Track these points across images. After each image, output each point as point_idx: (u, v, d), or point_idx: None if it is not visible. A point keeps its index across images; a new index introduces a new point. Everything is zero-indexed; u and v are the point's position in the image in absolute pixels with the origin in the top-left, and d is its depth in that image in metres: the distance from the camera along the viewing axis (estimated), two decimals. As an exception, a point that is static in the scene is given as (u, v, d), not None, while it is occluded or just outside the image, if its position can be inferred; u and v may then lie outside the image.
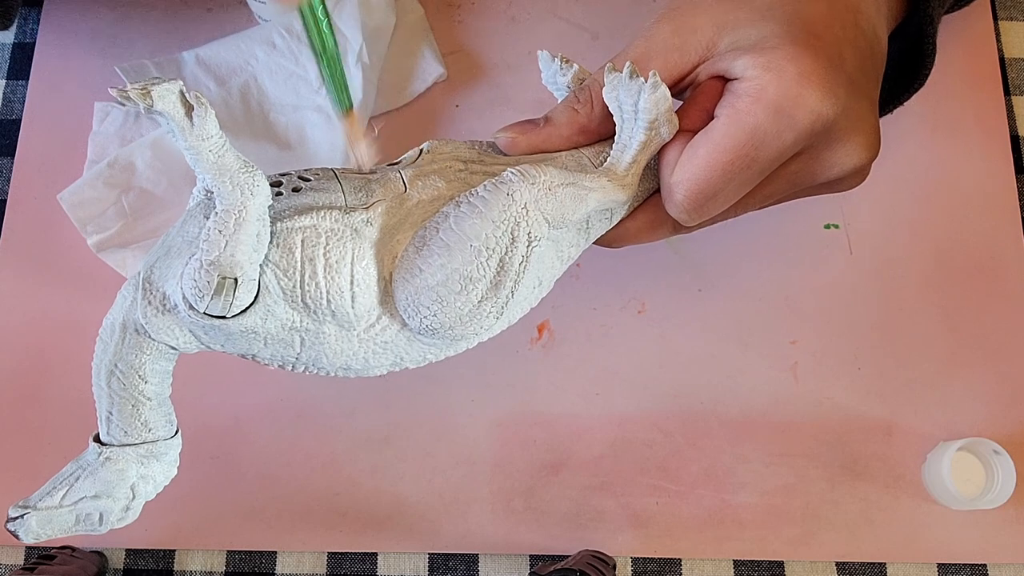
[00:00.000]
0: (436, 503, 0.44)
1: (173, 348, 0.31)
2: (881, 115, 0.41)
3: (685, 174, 0.31)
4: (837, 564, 0.44)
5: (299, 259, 0.29)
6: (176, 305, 0.29)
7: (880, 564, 0.44)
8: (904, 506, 0.44)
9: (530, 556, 0.44)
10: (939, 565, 0.44)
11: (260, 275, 0.29)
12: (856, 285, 0.47)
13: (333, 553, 0.44)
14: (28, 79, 0.51)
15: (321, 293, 0.29)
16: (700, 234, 0.47)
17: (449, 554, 0.44)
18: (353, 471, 0.45)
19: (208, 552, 0.44)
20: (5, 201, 0.49)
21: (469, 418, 0.45)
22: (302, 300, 0.29)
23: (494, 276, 0.30)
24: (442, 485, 0.44)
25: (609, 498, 0.44)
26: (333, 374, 0.32)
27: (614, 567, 0.42)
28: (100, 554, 0.43)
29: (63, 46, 0.51)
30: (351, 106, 0.32)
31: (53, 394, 0.45)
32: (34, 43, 0.51)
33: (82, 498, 0.30)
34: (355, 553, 0.44)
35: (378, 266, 0.30)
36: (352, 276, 0.30)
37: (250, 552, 0.44)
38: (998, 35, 0.51)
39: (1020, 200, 0.48)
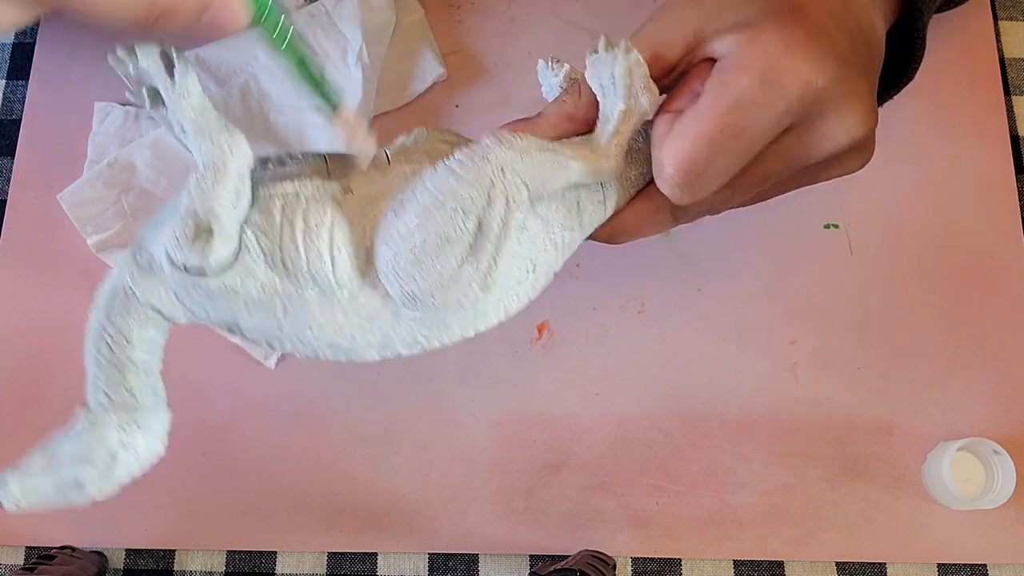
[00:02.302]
0: (436, 503, 0.44)
1: (160, 314, 0.31)
2: None
3: (674, 147, 0.31)
4: (837, 564, 0.44)
5: (279, 220, 0.30)
6: (161, 264, 0.30)
7: (880, 564, 0.44)
8: (904, 506, 0.44)
9: (530, 556, 0.44)
10: (939, 565, 0.44)
11: (240, 234, 0.30)
12: (856, 285, 0.47)
13: (333, 553, 0.44)
14: (28, 79, 0.51)
15: (300, 254, 0.30)
16: (699, 234, 0.48)
17: (449, 554, 0.44)
18: (352, 471, 0.45)
19: (208, 552, 0.44)
20: (5, 201, 0.49)
21: (469, 417, 0.45)
22: (282, 261, 0.30)
23: (473, 239, 0.30)
24: (442, 485, 0.44)
25: (609, 498, 0.44)
26: (321, 356, 0.32)
27: (614, 567, 0.42)
28: (100, 554, 0.43)
29: (63, 46, 0.51)
30: (337, 104, 0.31)
31: (53, 394, 0.45)
32: (34, 43, 0.51)
33: (62, 463, 0.30)
34: (355, 553, 0.44)
35: (359, 233, 0.31)
36: (331, 239, 0.30)
37: (250, 552, 0.44)
38: (998, 35, 0.51)
39: (1020, 200, 0.48)
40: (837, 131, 0.32)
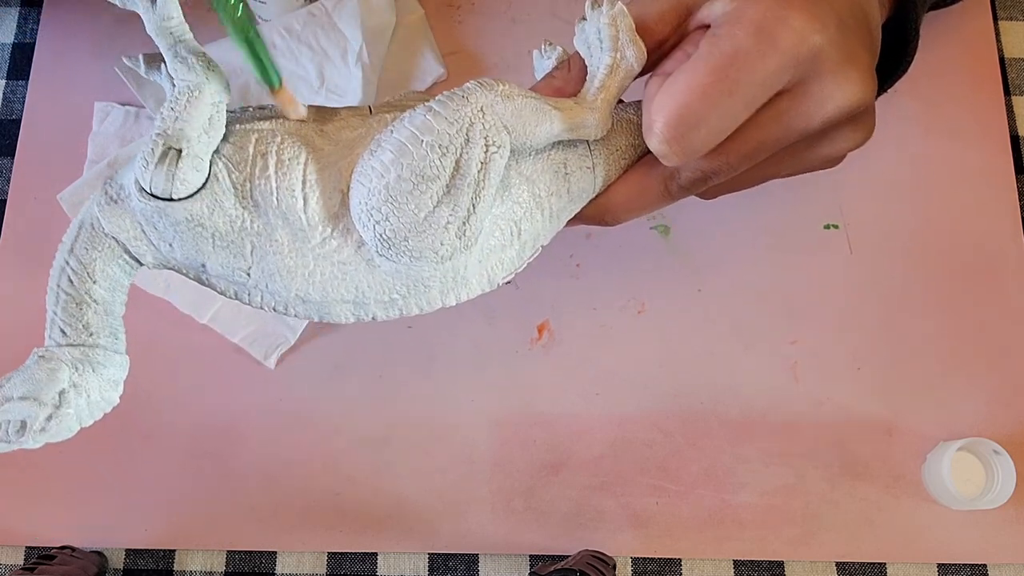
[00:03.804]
0: (436, 503, 0.44)
1: (125, 249, 0.30)
2: None
3: (664, 101, 0.30)
4: (837, 564, 0.44)
5: (251, 154, 0.29)
6: (129, 192, 0.29)
7: (880, 564, 0.44)
8: (904, 506, 0.44)
9: (530, 556, 0.44)
10: (939, 565, 0.44)
11: (211, 165, 0.29)
12: (856, 285, 0.47)
13: (333, 553, 0.44)
14: (28, 79, 0.51)
15: (271, 189, 0.29)
16: (699, 234, 0.48)
17: (449, 554, 0.44)
18: (353, 471, 0.45)
19: (208, 552, 0.44)
20: (5, 201, 0.49)
21: (469, 418, 0.45)
22: (252, 196, 0.29)
23: (450, 179, 0.29)
24: (442, 485, 0.44)
25: (609, 498, 0.44)
26: (291, 310, 0.31)
27: (614, 567, 0.42)
28: (100, 554, 0.43)
29: (63, 46, 0.51)
30: (280, 82, 0.31)
31: (53, 394, 0.45)
32: (34, 43, 0.51)
33: (7, 398, 0.29)
34: (355, 553, 0.44)
35: (335, 176, 0.30)
36: (304, 177, 0.29)
37: (250, 552, 0.44)
38: (998, 35, 0.51)
39: (1020, 200, 0.48)
40: (834, 93, 0.31)
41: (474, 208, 0.29)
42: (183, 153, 0.28)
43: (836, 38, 0.30)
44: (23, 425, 0.28)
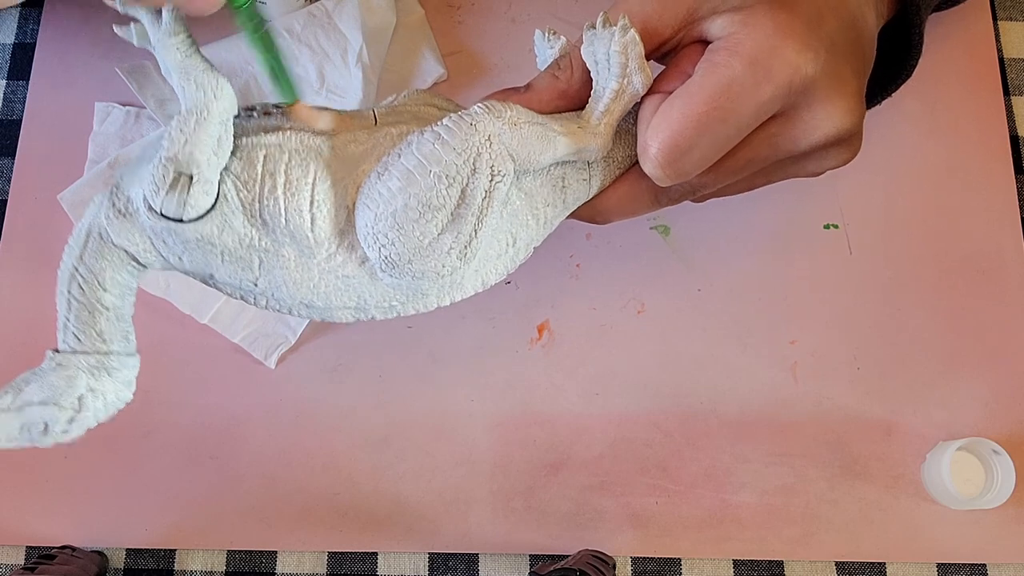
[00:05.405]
0: (436, 503, 0.44)
1: (134, 259, 0.30)
2: (869, 106, 0.41)
3: (659, 127, 0.31)
4: (837, 564, 0.44)
5: (260, 173, 0.29)
6: (138, 208, 0.29)
7: (880, 564, 0.44)
8: (904, 506, 0.44)
9: (530, 556, 0.44)
10: (939, 565, 0.44)
11: (220, 184, 0.29)
12: (856, 285, 0.47)
13: (333, 553, 0.44)
14: (28, 79, 0.51)
15: (280, 210, 0.30)
16: (700, 234, 0.48)
17: (449, 554, 0.44)
18: (353, 471, 0.45)
19: (208, 552, 0.44)
20: (5, 201, 0.49)
21: (469, 418, 0.45)
22: (260, 215, 0.30)
23: (455, 207, 0.29)
24: (442, 485, 0.44)
25: (609, 498, 0.44)
26: (295, 313, 0.32)
27: (614, 567, 0.42)
28: (101, 554, 0.43)
29: (63, 46, 0.51)
30: (296, 99, 0.31)
31: (53, 394, 0.45)
32: (34, 43, 0.51)
33: (29, 403, 0.29)
34: (355, 553, 0.44)
35: (342, 193, 0.30)
36: (312, 197, 0.30)
37: (250, 552, 0.44)
38: (997, 35, 0.51)
39: (1020, 200, 0.48)
40: (824, 122, 0.32)
41: (476, 233, 0.30)
42: (194, 179, 0.28)
43: (828, 66, 0.31)
44: (46, 427, 0.30)
